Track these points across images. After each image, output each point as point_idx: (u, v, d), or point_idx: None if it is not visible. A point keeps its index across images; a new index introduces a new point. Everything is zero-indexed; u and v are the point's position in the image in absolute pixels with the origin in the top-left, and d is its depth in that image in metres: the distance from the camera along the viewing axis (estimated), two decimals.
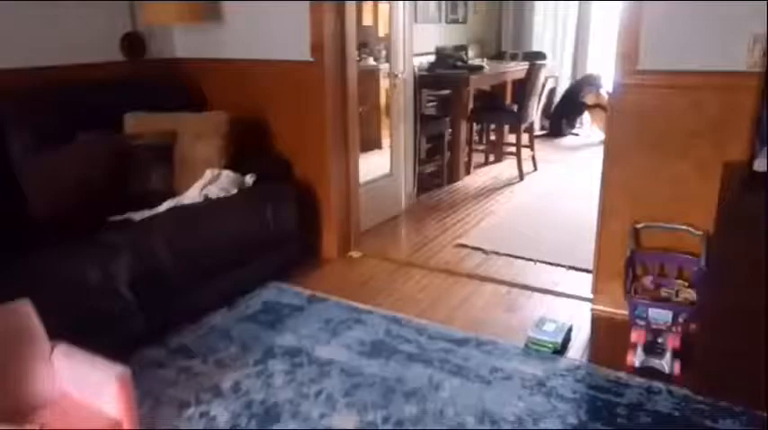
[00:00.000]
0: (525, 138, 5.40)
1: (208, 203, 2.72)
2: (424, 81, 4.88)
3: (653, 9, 2.37)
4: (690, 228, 2.42)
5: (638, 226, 2.54)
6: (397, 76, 4.06)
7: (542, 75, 5.15)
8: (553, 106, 7.25)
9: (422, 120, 4.67)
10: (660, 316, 2.15)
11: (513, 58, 6.72)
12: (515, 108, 5.13)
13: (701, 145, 2.39)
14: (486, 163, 5.75)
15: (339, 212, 3.42)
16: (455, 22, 7.17)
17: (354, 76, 3.38)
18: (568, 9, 7.41)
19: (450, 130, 4.97)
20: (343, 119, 3.33)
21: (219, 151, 2.87)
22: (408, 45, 4.16)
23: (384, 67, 4.81)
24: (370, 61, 6.60)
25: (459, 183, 5.06)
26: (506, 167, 5.53)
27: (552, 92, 7.41)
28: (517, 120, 5.09)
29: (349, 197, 3.49)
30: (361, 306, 2.82)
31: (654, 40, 2.40)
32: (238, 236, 2.78)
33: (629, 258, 2.46)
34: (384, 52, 5.28)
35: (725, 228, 1.98)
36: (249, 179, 2.96)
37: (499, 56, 7.03)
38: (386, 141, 4.52)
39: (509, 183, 5.08)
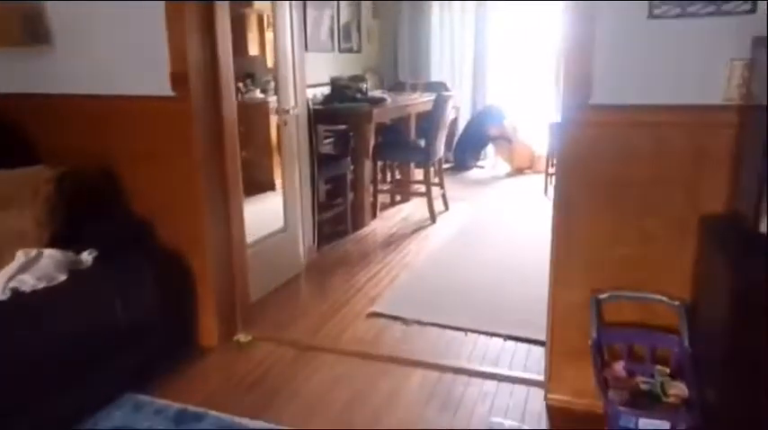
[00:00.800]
0: (433, 174, 4.92)
1: (18, 301, 1.88)
2: (320, 116, 4.26)
3: (609, 29, 1.90)
4: (663, 298, 1.95)
5: (601, 296, 2.03)
6: (287, 111, 3.40)
7: (450, 107, 4.71)
8: (455, 138, 6.91)
9: (319, 160, 4.03)
10: (653, 426, 1.63)
11: (414, 88, 6.30)
12: (422, 143, 4.64)
13: (670, 194, 1.94)
14: (393, 203, 5.21)
15: (220, 283, 2.67)
16: (349, 51, 6.67)
17: (233, 113, 2.68)
18: (465, 39, 7.16)
19: (352, 170, 4.37)
20: (219, 164, 2.61)
21: (39, 222, 2.05)
22: (300, 76, 3.53)
23: (274, 100, 4.14)
24: (258, 94, 5.91)
25: (366, 229, 4.45)
26: (415, 207, 5.02)
27: (454, 123, 7.07)
28: (426, 157, 4.60)
29: (232, 262, 2.75)
30: (251, 424, 2.08)
31: (610, 68, 1.93)
32: (71, 340, 1.96)
33: (596, 340, 1.94)
34: (273, 84, 4.63)
35: (738, 313, 1.49)
36: (87, 256, 2.15)
37: (398, 87, 6.60)
38: (280, 181, 3.85)
39: (421, 227, 4.55)
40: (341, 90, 4.68)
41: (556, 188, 2.14)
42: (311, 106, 3.82)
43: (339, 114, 4.36)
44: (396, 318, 2.93)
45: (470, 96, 7.31)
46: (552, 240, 2.15)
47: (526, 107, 7.21)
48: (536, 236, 4.18)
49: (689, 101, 1.86)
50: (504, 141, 6.45)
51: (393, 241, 4.21)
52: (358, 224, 4.47)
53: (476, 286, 3.31)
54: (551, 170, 5.49)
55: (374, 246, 4.10)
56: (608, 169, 1.98)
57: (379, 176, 5.55)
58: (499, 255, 3.84)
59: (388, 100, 4.66)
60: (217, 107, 2.57)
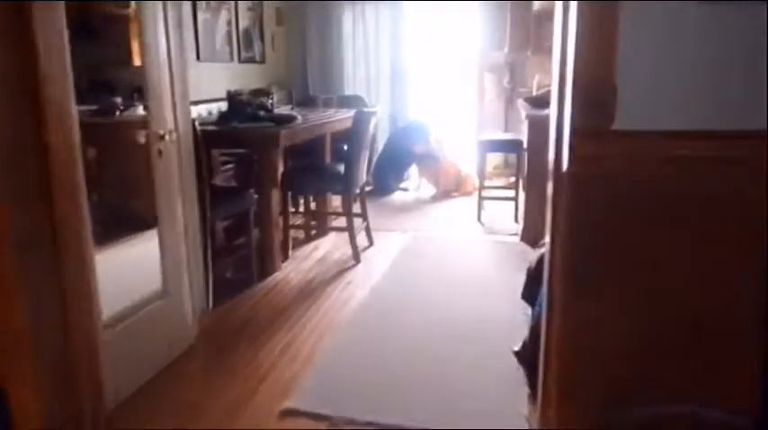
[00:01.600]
0: (355, 203, 4.19)
1: None
2: (215, 138, 3.43)
3: (637, 31, 1.26)
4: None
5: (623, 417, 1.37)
6: (163, 136, 2.55)
7: (372, 125, 4.01)
8: (375, 158, 6.23)
9: (215, 193, 3.20)
10: None
11: (327, 104, 5.57)
12: (341, 169, 3.90)
13: (728, 262, 1.31)
14: (308, 238, 4.42)
15: (53, 401, 1.78)
16: (251, 61, 5.83)
17: (70, 138, 1.82)
18: (381, 47, 6.52)
19: (256, 201, 3.55)
20: (47, 211, 1.75)
21: None
22: (181, 91, 2.69)
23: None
24: (141, 110, 4.94)
25: (276, 276, 3.64)
26: (334, 243, 4.26)
27: (372, 141, 6.39)
28: (346, 187, 3.86)
29: (77, 356, 1.87)
30: None
31: (640, 84, 1.28)
32: None
33: None
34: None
35: None
36: None
37: (309, 102, 5.84)
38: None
39: (343, 268, 3.79)
40: (241, 107, 3.85)
41: (553, 249, 1.46)
42: (198, 128, 2.98)
43: (239, 136, 3.53)
44: (318, 416, 2.16)
45: (389, 111, 6.67)
46: (545, 327, 1.47)
47: (451, 122, 6.68)
48: (481, 277, 3.56)
49: (747, 126, 1.25)
50: (430, 161, 5.85)
51: (310, 291, 3.42)
52: (266, 270, 3.65)
53: (421, 355, 2.60)
54: (484, 193, 4.93)
55: (287, 300, 3.29)
56: (633, 224, 1.33)
57: (291, 207, 4.77)
58: (442, 303, 3.17)
59: (298, 118, 3.89)
60: (39, 131, 1.71)
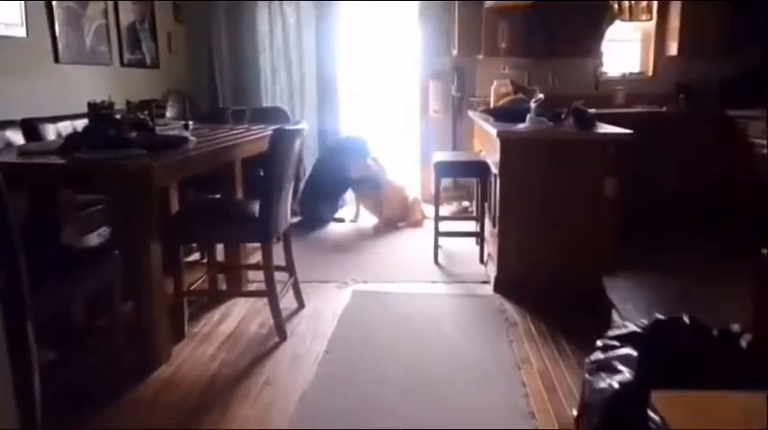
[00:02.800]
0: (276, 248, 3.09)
1: None
2: (53, 176, 2.25)
3: None
4: None
5: None
6: None
7: (298, 145, 2.95)
8: (303, 182, 5.14)
9: (51, 265, 2.02)
10: None
11: (238, 118, 4.43)
12: (256, 209, 2.78)
13: None
14: (215, 302, 3.26)
15: None
16: (139, 65, 4.61)
17: None
18: (305, 51, 5.46)
19: (127, 264, 2.38)
20: None
21: None
22: None
23: None
24: None
25: (162, 373, 2.48)
26: (251, 307, 3.14)
27: (299, 162, 5.30)
28: (263, 232, 2.74)
29: None
30: None
31: None
32: None
33: None
34: None
35: None
36: None
37: (217, 116, 4.67)
38: None
39: (263, 350, 2.68)
40: (105, 126, 2.66)
41: None
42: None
43: (84, 173, 2.34)
44: None
45: (317, 127, 5.61)
46: None
47: (391, 139, 5.71)
48: (458, 362, 2.45)
49: None
50: (369, 185, 4.82)
51: (216, 397, 2.29)
52: (149, 363, 2.48)
53: None
54: (441, 227, 3.96)
55: (180, 416, 2.15)
56: None
57: (196, 254, 3.63)
58: (406, 417, 2.13)
59: (191, 141, 2.76)
60: None
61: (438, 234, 3.88)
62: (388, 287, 3.51)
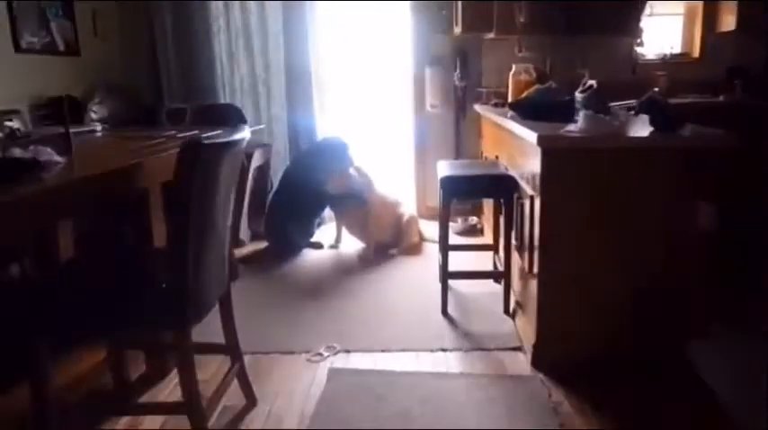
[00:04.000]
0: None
1: None
2: None
3: None
4: None
5: None
6: None
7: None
8: (268, 199, 4.09)
9: None
10: None
11: (175, 118, 3.36)
12: (175, 271, 1.71)
13: None
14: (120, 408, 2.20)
15: None
16: (48, 51, 3.52)
17: None
18: (269, 38, 4.38)
19: None
20: None
21: None
22: None
23: None
24: None
25: None
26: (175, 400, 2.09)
27: (262, 173, 4.24)
28: (175, 314, 1.68)
29: None
30: None
31: None
32: None
33: None
34: None
35: None
36: None
37: (150, 116, 3.59)
38: None
39: None
40: None
41: None
42: None
43: None
44: None
45: (286, 127, 4.54)
46: None
47: (379, 143, 4.66)
48: None
49: None
50: (353, 202, 3.77)
51: None
52: None
53: None
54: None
55: None
56: None
57: None
58: None
59: (53, 164, 1.68)
60: None
61: (447, 275, 2.83)
62: (379, 359, 2.46)
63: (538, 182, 2.22)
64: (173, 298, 1.62)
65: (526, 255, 2.51)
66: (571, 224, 2.19)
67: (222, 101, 4.33)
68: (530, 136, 2.24)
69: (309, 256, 3.88)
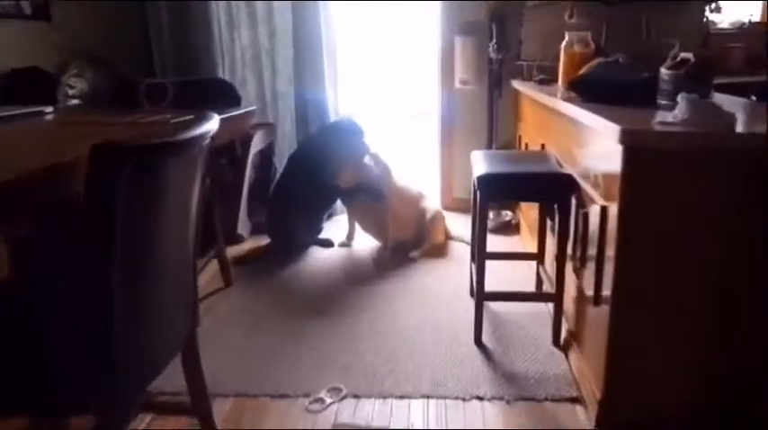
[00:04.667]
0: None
1: None
2: None
3: None
4: None
5: None
6: None
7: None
8: (271, 189, 3.54)
9: None
10: None
11: (155, 96, 2.81)
12: (92, 337, 1.19)
13: None
14: None
15: None
16: (11, 14, 2.99)
17: None
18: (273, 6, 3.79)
19: None
20: None
21: None
22: None
23: None
24: None
25: None
26: None
27: (265, 158, 3.70)
28: (104, 399, 1.15)
29: None
30: None
31: None
32: None
33: None
34: None
35: None
36: None
37: (125, 93, 3.03)
38: None
39: None
40: None
41: None
42: None
43: None
44: None
45: (293, 105, 3.97)
46: None
47: (402, 125, 4.07)
48: None
49: None
50: (368, 196, 3.20)
51: None
52: None
53: None
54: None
55: None
56: None
57: None
58: None
59: None
60: None
61: (483, 296, 2.27)
62: (397, 409, 1.92)
63: (613, 185, 1.64)
64: (92, 371, 1.09)
65: (588, 274, 1.94)
66: (660, 243, 1.61)
67: (221, 74, 3.78)
68: (604, 127, 1.65)
69: (316, 256, 3.34)
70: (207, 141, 1.31)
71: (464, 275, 2.85)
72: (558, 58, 3.18)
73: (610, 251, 1.70)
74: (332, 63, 3.94)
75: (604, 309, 1.74)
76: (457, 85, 3.91)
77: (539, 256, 2.60)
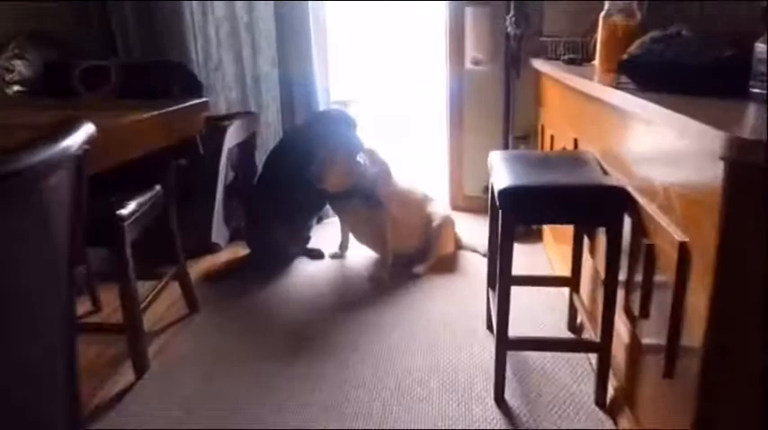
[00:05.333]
0: None
1: None
2: None
3: None
4: None
5: None
6: None
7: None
8: (249, 189, 3.03)
9: None
10: None
11: (95, 81, 2.27)
12: None
13: None
14: None
15: None
16: None
17: None
18: None
19: None
20: None
21: None
22: None
23: None
24: None
25: None
26: None
27: (245, 151, 3.19)
28: None
29: None
30: None
31: None
32: None
33: None
34: None
35: None
36: None
37: (56, 77, 2.48)
38: None
39: None
40: None
41: None
42: None
43: None
44: None
45: (278, 90, 3.44)
46: None
47: (402, 114, 3.53)
48: None
49: None
50: (362, 199, 2.67)
51: None
52: None
53: None
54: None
55: None
56: None
57: None
58: None
59: None
60: None
61: (506, 343, 1.75)
62: None
63: (701, 214, 1.12)
64: None
65: (651, 325, 1.43)
66: None
67: (193, 54, 3.24)
68: (697, 131, 1.12)
69: (303, 271, 2.84)
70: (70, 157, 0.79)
71: (478, 299, 2.35)
72: (590, 34, 2.64)
73: (695, 301, 1.18)
74: (321, 39, 3.40)
75: (680, 369, 1.24)
76: (468, 64, 3.36)
77: (573, 282, 2.08)
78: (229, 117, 3.10)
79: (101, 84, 2.15)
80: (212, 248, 3.02)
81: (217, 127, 2.95)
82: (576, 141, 2.27)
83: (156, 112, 1.78)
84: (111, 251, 1.81)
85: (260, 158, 3.28)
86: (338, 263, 2.92)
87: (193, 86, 2.19)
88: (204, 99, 2.10)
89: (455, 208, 3.52)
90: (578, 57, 2.60)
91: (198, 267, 2.86)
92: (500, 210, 1.59)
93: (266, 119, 3.42)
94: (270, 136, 3.41)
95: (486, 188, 3.52)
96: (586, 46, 2.67)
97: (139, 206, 1.89)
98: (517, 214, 1.59)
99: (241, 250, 3.01)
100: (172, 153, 2.13)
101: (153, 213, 2.03)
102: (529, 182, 1.62)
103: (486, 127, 3.41)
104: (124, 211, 1.80)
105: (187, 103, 2.08)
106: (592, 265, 1.95)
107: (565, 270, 2.22)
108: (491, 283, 2.11)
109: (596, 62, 2.29)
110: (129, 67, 2.23)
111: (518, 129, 3.35)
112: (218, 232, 3.05)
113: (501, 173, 1.71)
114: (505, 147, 3.34)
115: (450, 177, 3.58)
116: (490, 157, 1.97)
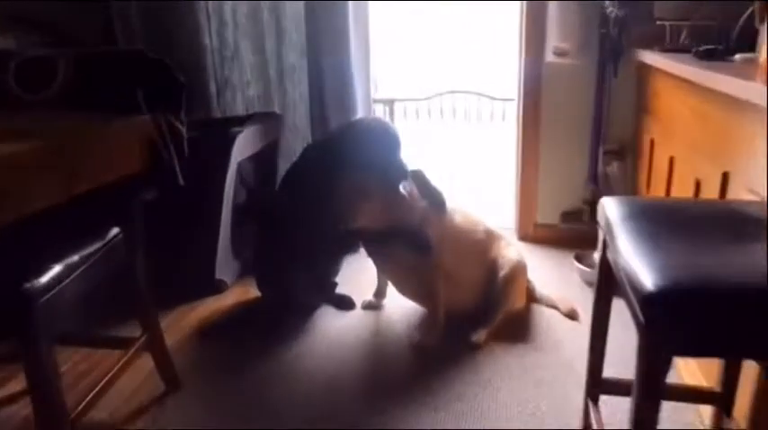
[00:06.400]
0: None
1: None
2: None
3: None
4: None
5: None
6: None
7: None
8: (261, 218, 2.38)
9: None
10: None
11: (40, 78, 1.66)
12: None
13: None
14: None
15: None
16: None
17: None
18: None
19: None
20: None
21: None
22: None
23: None
24: None
25: None
26: None
27: (262, 164, 2.56)
28: None
29: None
30: None
31: None
32: None
33: None
34: None
35: None
36: None
37: None
38: None
39: None
40: None
41: None
42: None
43: None
44: None
45: (307, 85, 2.79)
46: None
47: (460, 123, 2.84)
48: None
49: None
50: (406, 243, 1.98)
51: None
52: None
53: None
54: None
55: None
56: None
57: None
58: None
59: None
60: None
61: None
62: None
63: None
64: None
65: None
66: None
67: (206, 38, 2.61)
68: None
69: (326, 327, 2.18)
70: None
71: (559, 387, 1.64)
72: (733, 16, 1.88)
73: None
74: (361, 24, 2.72)
75: None
76: (548, 57, 2.61)
77: (723, 400, 1.34)
78: (243, 120, 2.47)
79: (46, 79, 1.54)
80: (217, 287, 2.41)
81: (223, 135, 2.33)
82: (725, 177, 1.51)
83: (112, 127, 1.17)
84: (20, 343, 1.20)
85: (283, 171, 2.65)
86: (372, 316, 2.25)
87: (172, 85, 1.55)
88: (181, 110, 1.46)
89: (523, 238, 2.80)
90: (719, 47, 1.83)
91: (196, 314, 2.26)
92: (646, 330, 0.87)
93: (293, 121, 2.78)
94: (297, 144, 2.77)
95: (567, 214, 2.79)
96: (729, 31, 1.89)
97: (69, 269, 1.27)
98: (678, 340, 0.86)
99: (252, 289, 2.39)
100: (138, 182, 1.51)
101: (102, 272, 1.42)
102: (706, 275, 0.88)
103: (568, 136, 2.68)
104: (37, 283, 1.19)
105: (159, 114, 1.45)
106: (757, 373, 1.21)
107: (696, 372, 1.48)
108: (590, 393, 1.40)
109: (762, 56, 1.53)
110: (84, 60, 1.62)
111: (610, 139, 2.60)
112: (224, 267, 2.44)
113: (635, 246, 0.99)
114: (593, 162, 2.60)
115: (518, 200, 2.84)
116: (602, 207, 1.25)
